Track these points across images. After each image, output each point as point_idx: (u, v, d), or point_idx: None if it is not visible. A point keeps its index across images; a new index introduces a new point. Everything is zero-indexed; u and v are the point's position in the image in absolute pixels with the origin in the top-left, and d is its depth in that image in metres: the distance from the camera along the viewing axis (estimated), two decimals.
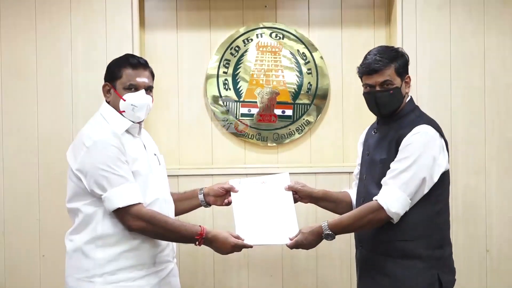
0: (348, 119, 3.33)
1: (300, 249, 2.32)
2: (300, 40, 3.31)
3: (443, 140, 2.22)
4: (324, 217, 2.38)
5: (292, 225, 2.36)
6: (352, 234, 2.47)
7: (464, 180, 3.14)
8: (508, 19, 3.17)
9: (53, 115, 3.10)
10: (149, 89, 2.26)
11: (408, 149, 2.16)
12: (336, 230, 2.23)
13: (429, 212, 2.19)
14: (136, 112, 2.21)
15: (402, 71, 2.25)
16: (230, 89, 3.29)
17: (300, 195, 2.53)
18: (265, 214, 2.42)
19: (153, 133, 2.87)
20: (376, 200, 2.17)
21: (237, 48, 3.30)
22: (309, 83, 3.31)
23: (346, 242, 3.08)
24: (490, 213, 3.15)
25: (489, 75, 3.16)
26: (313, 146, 3.34)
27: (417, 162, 2.13)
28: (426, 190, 2.16)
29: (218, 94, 3.29)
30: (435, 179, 2.16)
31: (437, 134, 2.20)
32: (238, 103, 3.30)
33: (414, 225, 2.17)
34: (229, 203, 2.51)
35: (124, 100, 2.19)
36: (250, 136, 3.31)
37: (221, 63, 3.29)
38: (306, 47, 3.31)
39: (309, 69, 3.31)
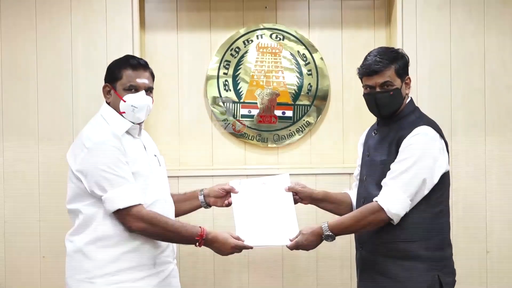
0: (348, 120, 3.33)
1: (300, 250, 2.32)
2: (300, 41, 3.31)
3: (443, 141, 2.22)
4: (324, 218, 2.38)
5: (292, 226, 2.36)
6: (353, 235, 2.46)
7: (464, 181, 3.14)
8: (508, 19, 3.17)
9: (53, 115, 3.09)
10: (149, 90, 2.27)
11: (408, 150, 2.16)
12: (336, 231, 2.23)
13: (430, 213, 2.19)
14: (136, 113, 2.21)
15: (402, 72, 2.26)
16: (230, 90, 3.29)
17: (300, 196, 2.53)
18: (265, 215, 2.42)
19: (153, 134, 2.87)
20: (377, 201, 2.17)
21: (237, 49, 3.30)
22: (309, 84, 3.31)
23: (347, 243, 3.08)
24: (490, 214, 3.15)
25: (489, 76, 3.16)
26: (313, 147, 3.34)
27: (417, 163, 2.13)
28: (426, 191, 2.16)
29: (218, 95, 3.29)
30: (436, 180, 2.16)
31: (437, 135, 2.20)
32: (238, 104, 3.30)
33: (414, 226, 2.17)
34: (229, 204, 2.51)
35: (124, 101, 2.20)
36: (250, 137, 3.31)
37: (221, 64, 3.29)
38: (306, 48, 3.31)
39: (309, 70, 3.31)
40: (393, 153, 2.21)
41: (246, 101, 3.30)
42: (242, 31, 3.31)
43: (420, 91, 3.10)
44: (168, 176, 2.43)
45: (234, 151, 3.32)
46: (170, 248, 2.30)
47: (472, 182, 3.15)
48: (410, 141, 2.17)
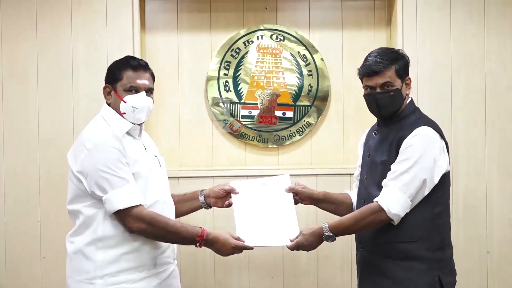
0: (349, 120, 3.34)
1: (300, 251, 2.32)
2: (300, 41, 3.31)
3: (443, 142, 2.22)
4: (325, 219, 2.38)
5: (293, 227, 2.36)
6: (353, 235, 2.47)
7: (464, 181, 3.14)
8: (509, 20, 3.17)
9: (54, 116, 3.09)
10: (149, 91, 2.27)
11: (408, 150, 2.16)
12: (337, 231, 2.23)
13: (430, 214, 2.19)
14: (136, 114, 2.21)
15: (403, 72, 2.26)
16: (230, 91, 3.29)
17: (300, 197, 2.53)
18: (265, 216, 2.42)
19: (153, 134, 2.87)
20: (377, 201, 2.17)
21: (237, 50, 3.30)
22: (309, 84, 3.31)
23: (347, 244, 3.08)
24: (490, 214, 3.15)
25: (489, 76, 3.16)
26: (313, 148, 3.35)
27: (417, 163, 2.13)
28: (426, 192, 2.16)
29: (218, 96, 3.29)
30: (436, 181, 2.16)
31: (438, 135, 2.20)
32: (238, 104, 3.30)
33: (414, 227, 2.17)
34: (229, 205, 2.51)
35: (125, 102, 2.20)
36: (250, 138, 3.31)
37: (222, 65, 3.29)
38: (307, 49, 3.31)
39: (309, 71, 3.31)
40: (394, 154, 2.21)
41: (246, 101, 3.30)
42: (243, 32, 3.31)
43: (421, 92, 3.10)
44: (169, 177, 2.42)
45: (234, 152, 3.33)
46: (171, 249, 2.30)
47: (473, 183, 3.15)
48: (410, 142, 2.17)
